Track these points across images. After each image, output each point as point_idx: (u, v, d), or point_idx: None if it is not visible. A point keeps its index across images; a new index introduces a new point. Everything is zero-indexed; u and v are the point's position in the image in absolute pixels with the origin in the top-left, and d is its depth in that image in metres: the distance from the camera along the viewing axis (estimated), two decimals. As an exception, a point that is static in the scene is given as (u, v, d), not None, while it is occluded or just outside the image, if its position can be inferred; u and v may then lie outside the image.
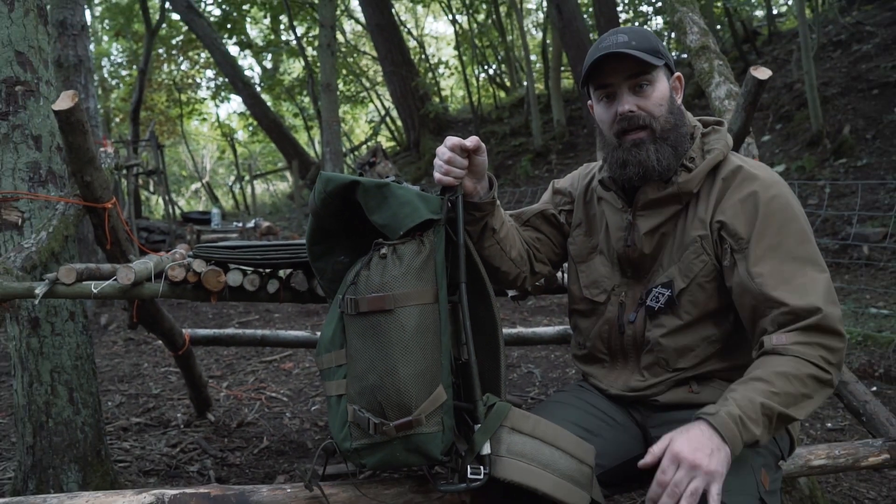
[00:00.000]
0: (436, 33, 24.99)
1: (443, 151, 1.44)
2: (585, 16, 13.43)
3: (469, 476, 1.33)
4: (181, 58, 20.45)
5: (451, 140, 1.44)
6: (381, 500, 1.51)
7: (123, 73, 20.81)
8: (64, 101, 1.91)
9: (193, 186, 27.36)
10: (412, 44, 18.36)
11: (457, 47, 16.47)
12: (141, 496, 1.46)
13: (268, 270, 1.97)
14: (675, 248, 1.51)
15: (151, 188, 18.35)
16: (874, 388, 3.38)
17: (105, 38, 20.55)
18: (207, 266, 1.91)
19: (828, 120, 8.32)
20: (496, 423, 1.36)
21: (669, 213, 1.52)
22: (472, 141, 1.44)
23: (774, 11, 13.87)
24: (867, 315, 4.44)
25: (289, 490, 1.54)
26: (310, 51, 17.22)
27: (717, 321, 1.49)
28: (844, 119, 8.25)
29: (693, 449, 1.19)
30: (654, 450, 1.25)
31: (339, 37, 17.78)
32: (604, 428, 1.56)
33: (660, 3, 13.82)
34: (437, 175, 1.44)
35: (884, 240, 5.75)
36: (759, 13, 14.12)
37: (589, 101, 1.60)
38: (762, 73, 2.08)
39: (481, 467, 1.33)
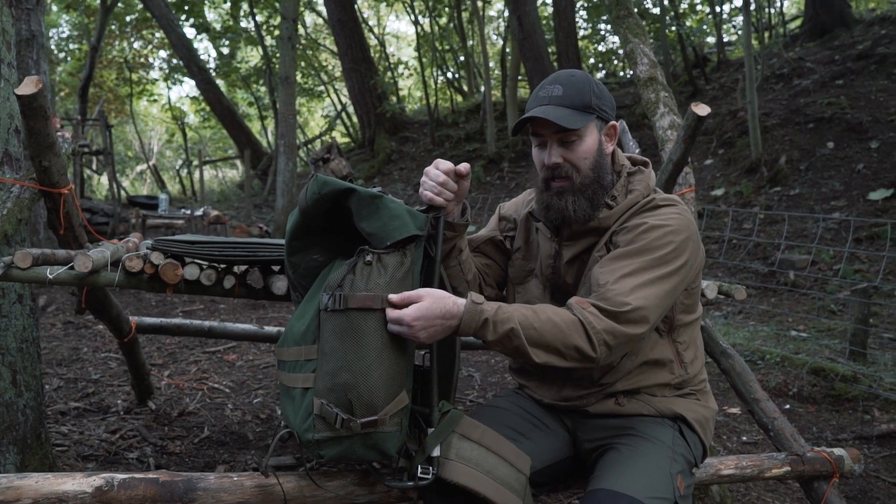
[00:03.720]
0: (397, 32, 24.96)
1: (437, 174, 1.54)
2: (545, 28, 13.71)
3: (419, 475, 1.45)
4: (134, 36, 19.90)
5: (446, 164, 1.55)
6: (325, 490, 1.60)
7: (72, 46, 20.10)
8: (27, 86, 1.92)
9: (139, 168, 26.61)
10: (373, 42, 18.34)
11: (417, 48, 16.54)
12: (91, 479, 1.51)
13: (223, 266, 2.03)
14: (588, 273, 1.64)
15: (94, 167, 17.80)
16: (787, 406, 3.63)
17: (55, 8, 19.82)
18: (165, 259, 1.95)
19: (766, 149, 8.74)
20: (449, 429, 1.49)
21: (588, 244, 1.65)
22: (464, 167, 1.56)
23: (725, 39, 14.43)
24: (787, 337, 4.73)
25: (235, 478, 1.61)
26: (269, 40, 17.02)
27: None
28: (781, 149, 8.68)
29: (421, 317, 1.37)
30: (408, 295, 1.40)
31: (300, 29, 17.63)
32: (535, 432, 1.69)
33: (617, 23, 14.18)
34: (427, 194, 1.54)
35: (805, 268, 6.10)
36: (711, 39, 14.67)
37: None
38: (702, 109, 2.24)
39: (430, 468, 1.46)
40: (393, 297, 1.40)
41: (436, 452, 1.47)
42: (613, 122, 1.65)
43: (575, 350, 1.41)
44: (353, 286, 1.41)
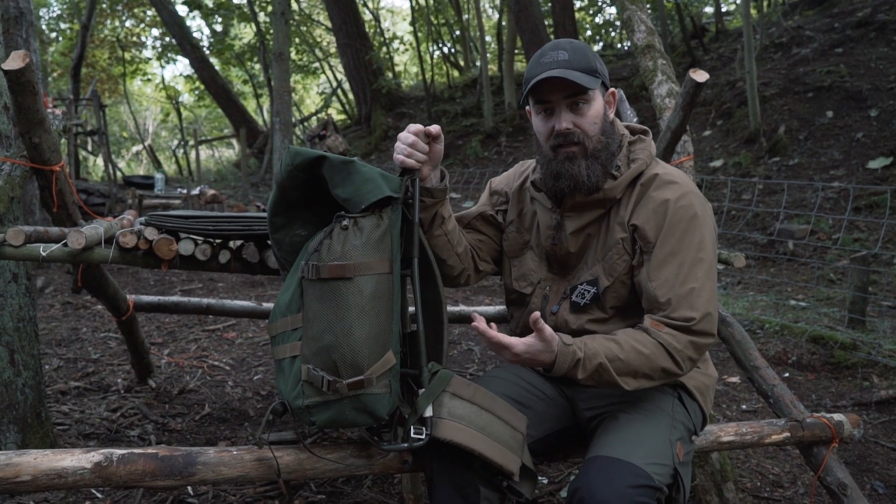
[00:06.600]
0: (392, 7, 24.65)
1: (406, 136, 1.54)
2: (541, 0, 13.53)
3: (412, 436, 1.44)
4: (126, 14, 19.65)
5: (415, 126, 1.55)
6: (324, 462, 1.59)
7: (63, 25, 19.86)
8: (14, 61, 1.89)
9: (134, 148, 26.44)
10: (367, 16, 18.11)
11: (412, 23, 16.34)
12: (90, 455, 1.50)
13: (218, 241, 2.01)
14: (600, 248, 1.63)
15: (90, 148, 17.69)
16: (787, 374, 3.64)
17: (44, -13, 19.54)
18: (159, 234, 1.94)
19: (765, 119, 8.67)
20: (439, 389, 1.48)
21: (594, 216, 1.64)
22: (434, 128, 1.55)
23: (723, 9, 14.27)
24: (787, 307, 4.73)
25: (235, 452, 1.61)
26: (262, 16, 16.80)
27: (638, 311, 1.62)
28: (780, 119, 8.62)
29: (527, 360, 1.47)
30: (526, 339, 1.47)
31: (294, 4, 17.40)
32: (535, 401, 1.69)
33: (614, -6, 14.01)
34: (399, 157, 1.54)
35: (804, 237, 6.09)
36: (709, 9, 14.51)
37: (527, 107, 1.69)
38: (700, 76, 2.21)
39: (423, 428, 1.45)
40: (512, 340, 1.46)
41: (428, 412, 1.46)
42: (613, 89, 1.66)
43: (662, 371, 1.48)
44: (329, 251, 1.41)
